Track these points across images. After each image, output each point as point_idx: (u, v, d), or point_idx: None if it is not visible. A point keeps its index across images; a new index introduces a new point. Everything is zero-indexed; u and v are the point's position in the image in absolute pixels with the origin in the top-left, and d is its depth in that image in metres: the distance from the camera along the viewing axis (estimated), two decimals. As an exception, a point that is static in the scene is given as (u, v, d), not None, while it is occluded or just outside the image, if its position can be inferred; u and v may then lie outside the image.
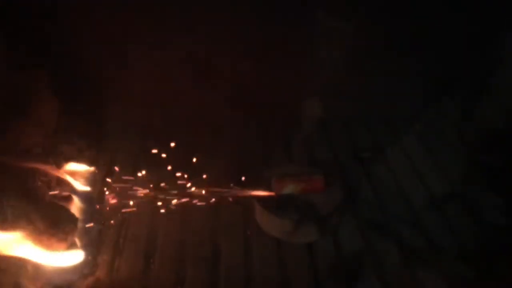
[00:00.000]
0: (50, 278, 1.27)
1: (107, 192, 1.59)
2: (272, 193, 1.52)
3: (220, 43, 1.78)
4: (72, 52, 1.68)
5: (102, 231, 1.48)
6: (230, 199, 1.56)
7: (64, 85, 1.68)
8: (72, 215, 1.37)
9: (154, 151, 1.68)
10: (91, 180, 1.58)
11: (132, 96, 1.79)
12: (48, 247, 1.26)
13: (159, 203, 1.54)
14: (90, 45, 1.69)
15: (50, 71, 1.60)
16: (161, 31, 1.72)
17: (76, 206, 1.46)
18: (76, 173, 1.57)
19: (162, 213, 1.54)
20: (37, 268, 1.25)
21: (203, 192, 1.56)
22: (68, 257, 1.31)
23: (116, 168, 1.68)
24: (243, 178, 1.59)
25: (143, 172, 1.63)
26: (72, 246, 1.33)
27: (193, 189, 1.57)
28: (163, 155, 1.67)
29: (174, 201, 1.54)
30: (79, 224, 1.39)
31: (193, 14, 1.72)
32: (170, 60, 1.75)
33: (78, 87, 1.72)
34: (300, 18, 1.78)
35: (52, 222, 1.27)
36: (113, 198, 1.56)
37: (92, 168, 1.61)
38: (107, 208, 1.55)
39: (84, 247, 1.36)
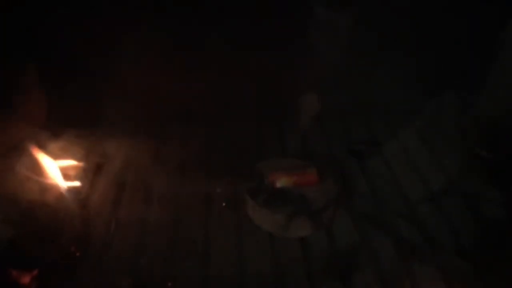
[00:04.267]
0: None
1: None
2: (264, 186, 1.49)
3: (215, 36, 1.76)
4: (61, 45, 1.66)
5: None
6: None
7: (54, 79, 1.66)
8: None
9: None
10: (81, 175, 1.56)
11: (124, 90, 1.77)
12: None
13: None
14: (79, 37, 1.68)
15: (40, 64, 1.59)
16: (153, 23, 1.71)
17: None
18: (65, 168, 1.55)
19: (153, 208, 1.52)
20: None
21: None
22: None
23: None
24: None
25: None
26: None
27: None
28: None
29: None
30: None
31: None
32: (162, 51, 1.73)
33: (68, 81, 1.70)
34: (296, 10, 1.76)
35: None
36: None
37: (81, 163, 1.59)
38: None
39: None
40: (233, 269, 1.35)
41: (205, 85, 1.83)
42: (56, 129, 1.59)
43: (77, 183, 1.51)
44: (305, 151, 1.79)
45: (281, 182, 1.49)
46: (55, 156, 1.54)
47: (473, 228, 1.47)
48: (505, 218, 1.49)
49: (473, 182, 1.62)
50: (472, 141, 1.72)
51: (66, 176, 1.51)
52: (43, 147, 1.51)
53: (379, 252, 1.40)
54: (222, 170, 1.62)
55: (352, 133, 1.90)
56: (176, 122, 1.86)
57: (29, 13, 1.59)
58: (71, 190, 1.48)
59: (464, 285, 1.31)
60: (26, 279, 1.26)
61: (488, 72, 1.75)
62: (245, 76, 1.83)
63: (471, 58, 1.77)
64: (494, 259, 1.35)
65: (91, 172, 1.62)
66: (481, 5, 1.70)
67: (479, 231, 1.46)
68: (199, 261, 1.37)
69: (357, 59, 1.81)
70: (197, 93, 1.81)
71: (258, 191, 1.48)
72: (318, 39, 1.82)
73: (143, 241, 1.43)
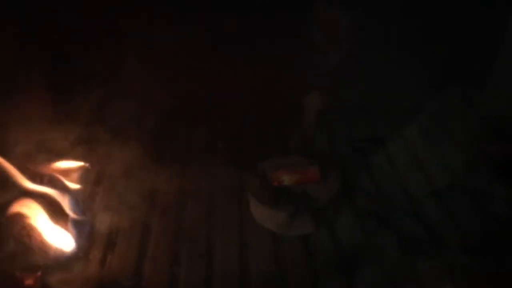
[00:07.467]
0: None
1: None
2: (267, 185, 1.48)
3: (217, 35, 1.76)
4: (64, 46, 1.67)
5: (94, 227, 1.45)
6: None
7: (57, 80, 1.67)
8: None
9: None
10: (84, 176, 1.56)
11: (126, 91, 1.77)
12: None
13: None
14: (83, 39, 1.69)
15: (43, 65, 1.60)
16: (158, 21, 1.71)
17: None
18: (68, 170, 1.55)
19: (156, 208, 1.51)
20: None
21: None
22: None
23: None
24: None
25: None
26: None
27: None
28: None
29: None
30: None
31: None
32: (165, 51, 1.74)
33: (72, 82, 1.71)
34: (298, 8, 1.75)
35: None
36: None
37: (84, 165, 1.59)
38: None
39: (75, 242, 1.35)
40: (236, 267, 1.35)
41: (208, 84, 1.83)
42: (60, 129, 1.60)
43: (79, 185, 1.51)
44: (308, 149, 1.78)
45: (284, 180, 1.48)
46: (58, 157, 1.55)
47: (479, 226, 1.46)
48: (511, 215, 1.47)
49: (479, 179, 1.60)
50: (478, 137, 1.70)
51: (69, 178, 1.51)
52: (47, 149, 1.52)
53: (383, 250, 1.38)
54: (224, 168, 1.61)
55: (355, 130, 1.89)
56: (179, 121, 1.86)
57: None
58: (73, 192, 1.48)
59: (469, 283, 1.29)
60: (30, 281, 1.27)
61: (493, 68, 1.74)
62: (247, 75, 1.83)
63: (475, 56, 1.77)
64: (500, 257, 1.33)
65: (94, 174, 1.62)
66: (484, 2, 1.69)
67: (485, 228, 1.44)
68: (202, 260, 1.37)
69: (360, 57, 1.80)
70: (199, 92, 1.81)
71: (260, 189, 1.48)
72: (321, 37, 1.81)
73: (146, 242, 1.43)
